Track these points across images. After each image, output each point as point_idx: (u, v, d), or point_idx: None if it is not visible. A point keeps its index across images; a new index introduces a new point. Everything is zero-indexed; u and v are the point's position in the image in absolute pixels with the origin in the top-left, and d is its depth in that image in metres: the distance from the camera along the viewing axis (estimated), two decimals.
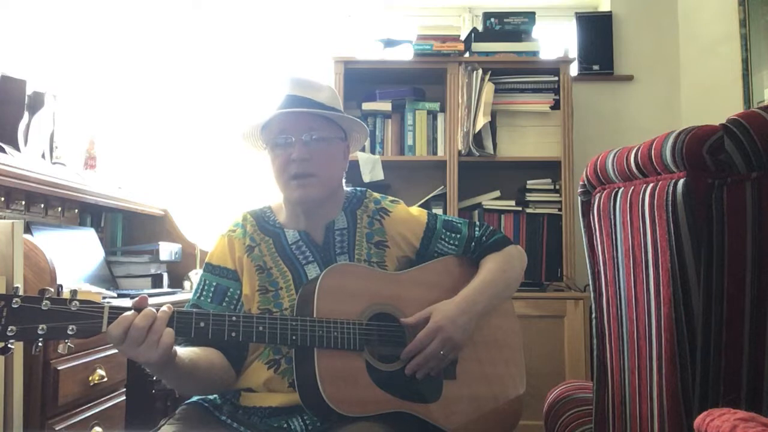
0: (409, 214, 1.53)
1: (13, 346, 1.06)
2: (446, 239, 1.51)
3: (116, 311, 1.11)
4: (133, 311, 1.12)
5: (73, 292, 1.11)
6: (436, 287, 1.46)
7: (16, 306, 1.05)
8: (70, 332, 1.08)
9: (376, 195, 1.54)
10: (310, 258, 1.42)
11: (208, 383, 1.31)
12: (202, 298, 1.40)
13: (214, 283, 1.41)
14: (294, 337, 1.24)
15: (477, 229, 1.54)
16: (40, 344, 1.08)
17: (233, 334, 1.21)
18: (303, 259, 1.42)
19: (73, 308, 1.09)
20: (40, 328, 1.06)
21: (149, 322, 1.10)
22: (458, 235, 1.52)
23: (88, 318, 1.09)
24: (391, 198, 1.56)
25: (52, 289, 1.10)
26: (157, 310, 1.13)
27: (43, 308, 1.07)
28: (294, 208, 1.44)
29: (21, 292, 1.07)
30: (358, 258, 1.44)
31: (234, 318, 1.22)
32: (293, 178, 1.38)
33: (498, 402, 1.45)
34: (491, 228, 1.56)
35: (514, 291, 1.56)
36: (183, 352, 1.21)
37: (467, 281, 1.47)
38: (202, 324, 1.19)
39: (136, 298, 1.15)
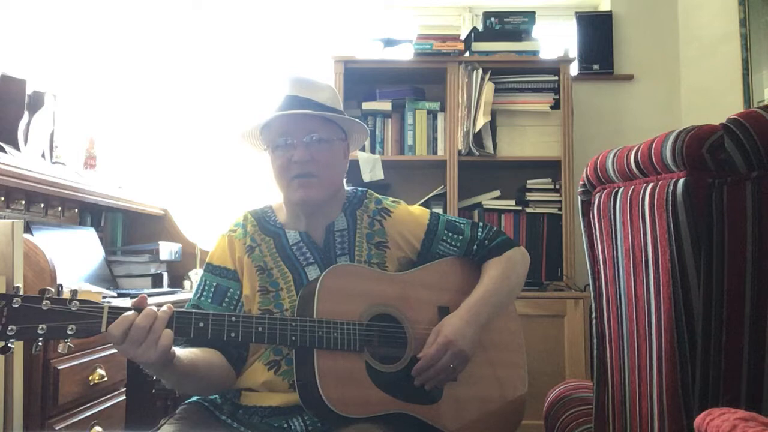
0: (411, 215, 1.52)
1: (13, 346, 1.06)
2: (448, 240, 1.50)
3: (116, 311, 1.11)
4: (133, 311, 1.12)
5: (74, 292, 1.11)
6: (437, 288, 1.45)
7: (16, 305, 1.05)
8: (69, 332, 1.08)
9: (377, 195, 1.53)
10: (310, 259, 1.42)
11: (206, 384, 1.31)
12: (202, 298, 1.40)
13: (215, 284, 1.41)
14: (294, 338, 1.24)
15: (480, 230, 1.53)
16: (40, 344, 1.08)
17: (232, 335, 1.21)
18: (303, 261, 1.42)
19: (73, 308, 1.09)
20: (40, 327, 1.06)
21: (150, 321, 1.11)
22: (460, 237, 1.51)
23: (87, 318, 1.10)
24: (392, 198, 1.55)
25: (53, 289, 1.10)
26: (158, 310, 1.13)
27: (44, 308, 1.07)
28: (295, 208, 1.44)
29: (21, 292, 1.07)
30: (359, 259, 1.43)
31: (233, 318, 1.21)
32: (295, 178, 1.38)
33: (499, 403, 1.44)
34: (495, 229, 1.54)
35: (517, 295, 1.55)
36: (182, 352, 1.21)
37: (468, 283, 1.47)
38: (201, 324, 1.18)
39: (136, 298, 1.16)
